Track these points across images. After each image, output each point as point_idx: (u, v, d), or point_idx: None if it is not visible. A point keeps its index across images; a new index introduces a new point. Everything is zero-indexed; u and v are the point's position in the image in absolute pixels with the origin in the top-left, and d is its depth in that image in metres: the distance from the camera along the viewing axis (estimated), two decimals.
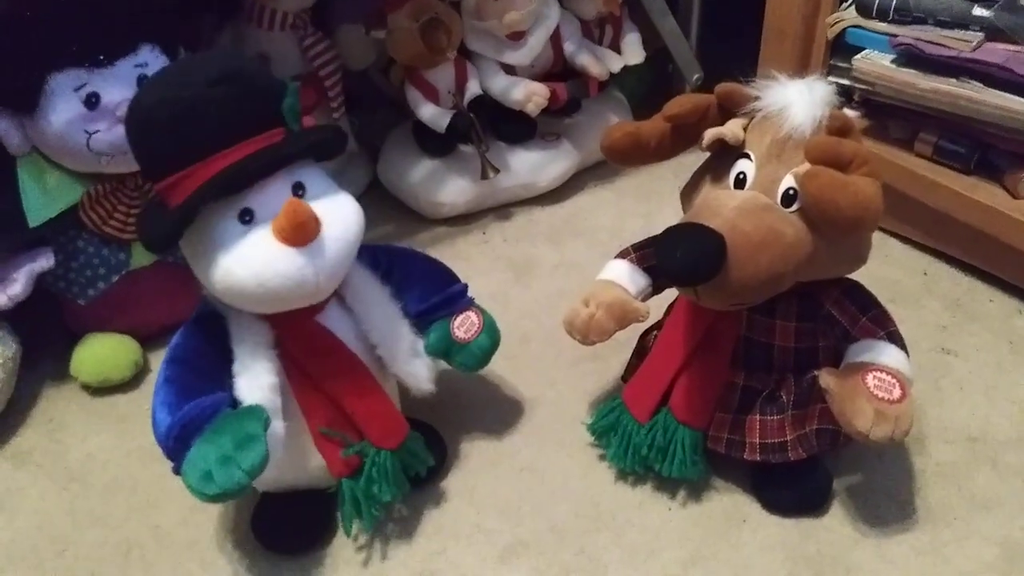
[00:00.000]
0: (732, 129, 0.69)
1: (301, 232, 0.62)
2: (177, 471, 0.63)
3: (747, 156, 0.69)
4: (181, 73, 0.65)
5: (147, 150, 0.64)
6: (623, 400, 0.78)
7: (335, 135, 0.70)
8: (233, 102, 0.62)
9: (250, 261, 0.63)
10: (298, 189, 0.66)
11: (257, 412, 0.64)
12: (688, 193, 0.74)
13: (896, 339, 0.70)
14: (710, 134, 0.70)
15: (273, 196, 0.64)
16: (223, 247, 0.63)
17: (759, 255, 0.64)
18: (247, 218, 0.64)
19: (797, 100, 0.68)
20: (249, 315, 0.67)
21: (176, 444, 0.62)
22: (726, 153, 0.70)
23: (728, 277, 0.63)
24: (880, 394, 0.65)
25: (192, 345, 0.68)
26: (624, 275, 0.78)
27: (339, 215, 0.66)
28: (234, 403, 0.65)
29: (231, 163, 0.62)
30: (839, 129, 0.67)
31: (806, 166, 0.65)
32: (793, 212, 0.66)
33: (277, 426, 0.65)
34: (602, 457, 0.80)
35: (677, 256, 0.64)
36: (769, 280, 0.65)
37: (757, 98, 0.69)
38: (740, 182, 0.69)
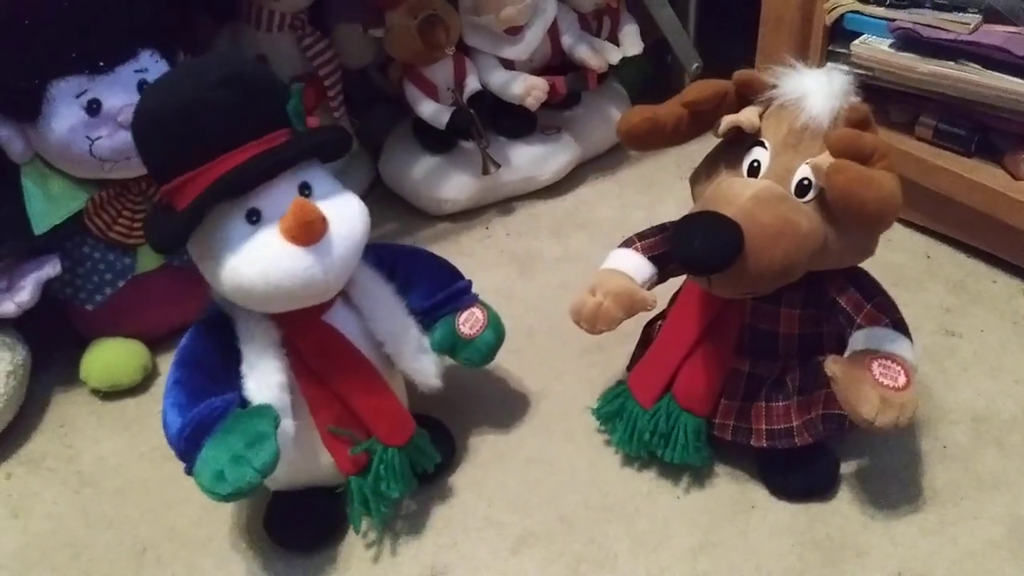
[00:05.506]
0: (749, 117, 0.69)
1: (308, 231, 0.63)
2: (189, 472, 0.63)
3: (762, 144, 0.69)
4: (183, 77, 0.65)
5: (152, 153, 0.65)
6: (628, 385, 0.78)
7: (340, 135, 0.70)
8: (236, 104, 0.63)
9: (258, 260, 0.63)
10: (304, 189, 0.66)
11: (267, 411, 0.65)
12: (698, 180, 0.74)
13: (901, 327, 0.70)
14: (727, 121, 0.69)
15: (280, 197, 0.64)
16: (231, 247, 0.64)
17: (775, 246, 0.64)
18: (254, 218, 0.64)
19: (816, 90, 0.67)
20: (256, 315, 0.68)
21: (188, 445, 0.63)
22: (739, 140, 0.70)
23: (744, 267, 0.63)
24: (885, 381, 0.66)
25: (201, 346, 0.69)
26: (629, 264, 0.77)
27: (345, 214, 0.66)
28: (244, 403, 0.66)
29: (236, 164, 0.63)
30: (859, 121, 0.66)
31: (822, 157, 0.64)
32: (807, 203, 0.66)
33: (287, 424, 0.66)
34: (608, 443, 0.81)
35: (695, 245, 0.64)
36: (783, 270, 0.65)
37: (775, 86, 0.69)
38: (753, 170, 0.69)
